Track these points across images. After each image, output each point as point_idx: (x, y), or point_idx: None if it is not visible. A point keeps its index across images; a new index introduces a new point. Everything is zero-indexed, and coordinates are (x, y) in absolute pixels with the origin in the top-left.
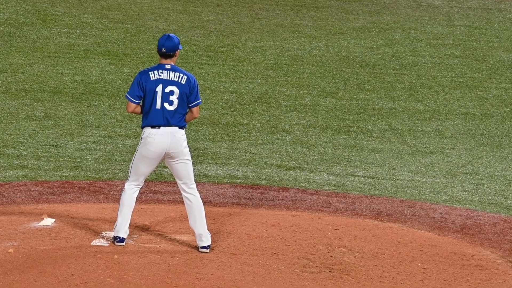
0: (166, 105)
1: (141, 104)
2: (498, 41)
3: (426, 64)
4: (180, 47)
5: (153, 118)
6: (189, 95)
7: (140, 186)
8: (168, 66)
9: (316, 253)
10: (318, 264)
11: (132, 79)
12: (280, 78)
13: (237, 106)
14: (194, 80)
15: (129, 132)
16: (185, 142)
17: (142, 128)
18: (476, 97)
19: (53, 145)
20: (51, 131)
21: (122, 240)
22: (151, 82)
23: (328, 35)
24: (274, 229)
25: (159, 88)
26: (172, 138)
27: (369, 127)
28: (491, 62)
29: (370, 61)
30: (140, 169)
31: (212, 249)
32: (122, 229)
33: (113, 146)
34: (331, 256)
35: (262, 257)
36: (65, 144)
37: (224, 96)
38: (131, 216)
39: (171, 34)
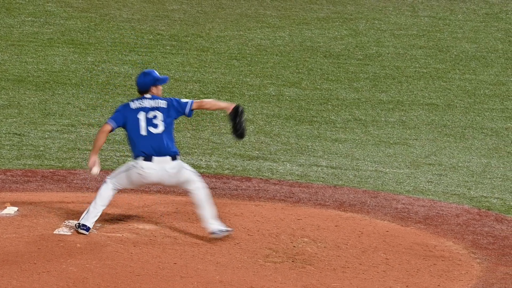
0: (151, 128)
1: (128, 135)
2: (462, 32)
3: (389, 55)
4: (162, 82)
5: (142, 146)
6: (177, 111)
7: (119, 190)
8: (148, 96)
9: (278, 243)
10: (281, 254)
11: (96, 67)
12: (244, 68)
13: (201, 96)
14: (172, 99)
15: (93, 121)
16: (182, 167)
17: (135, 158)
18: (439, 88)
19: (16, 134)
20: (14, 119)
21: (88, 229)
22: (132, 110)
23: (292, 25)
24: (236, 219)
25: (141, 116)
26: (167, 173)
27: (333, 117)
28: (455, 53)
29: (334, 51)
30: (125, 184)
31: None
32: (90, 221)
33: (76, 135)
34: (294, 246)
35: (224, 247)
36: (28, 132)
37: (187, 86)
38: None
39: (146, 71)
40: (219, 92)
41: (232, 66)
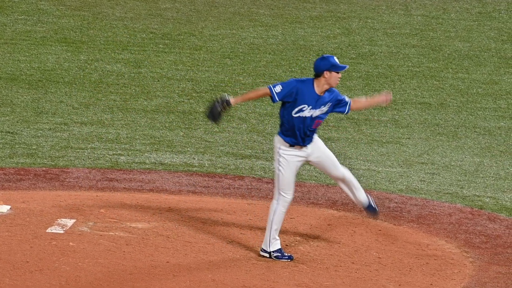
0: None
1: None
2: (454, 31)
3: (382, 54)
4: (330, 68)
5: None
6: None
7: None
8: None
9: None
10: None
11: (88, 66)
12: (237, 66)
13: (194, 94)
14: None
15: (85, 120)
16: (275, 148)
17: None
18: (432, 86)
19: (9, 132)
20: (7, 118)
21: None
22: None
23: (285, 23)
24: (229, 218)
25: None
26: None
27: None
28: (448, 52)
29: (327, 50)
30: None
31: (273, 255)
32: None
33: (69, 134)
34: (286, 245)
35: (217, 245)
36: (21, 131)
37: (180, 84)
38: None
39: (326, 55)
40: (211, 91)
41: (225, 65)
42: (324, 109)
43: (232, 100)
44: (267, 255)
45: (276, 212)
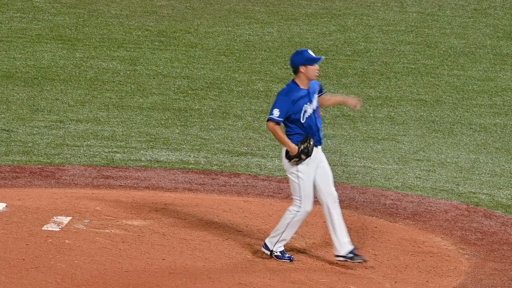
0: None
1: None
2: (450, 28)
3: (378, 51)
4: (305, 63)
5: None
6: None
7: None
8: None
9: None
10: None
11: (84, 63)
12: (232, 63)
13: (189, 92)
14: (279, 92)
15: (81, 117)
16: (285, 157)
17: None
18: (428, 83)
19: (4, 130)
20: (2, 115)
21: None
22: None
23: (281, 21)
24: (225, 215)
25: None
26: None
27: (321, 113)
28: (443, 48)
29: (322, 47)
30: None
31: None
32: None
33: (64, 131)
34: None
35: (213, 243)
36: (17, 128)
37: (176, 82)
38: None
39: (300, 50)
40: (207, 88)
41: (220, 62)
42: (316, 96)
43: (290, 146)
44: (268, 252)
45: (295, 219)
